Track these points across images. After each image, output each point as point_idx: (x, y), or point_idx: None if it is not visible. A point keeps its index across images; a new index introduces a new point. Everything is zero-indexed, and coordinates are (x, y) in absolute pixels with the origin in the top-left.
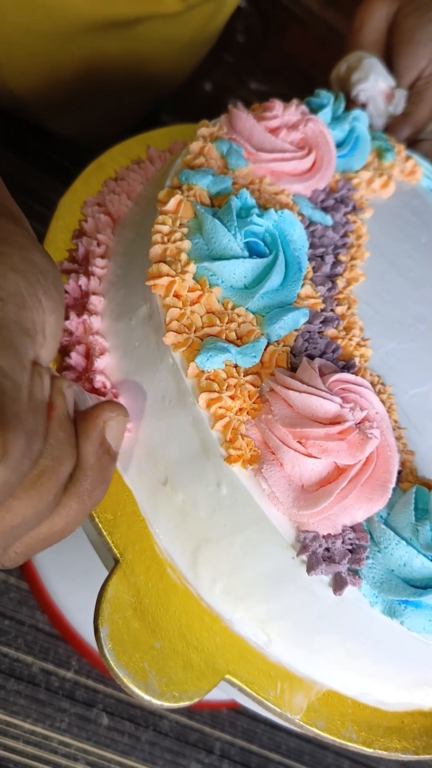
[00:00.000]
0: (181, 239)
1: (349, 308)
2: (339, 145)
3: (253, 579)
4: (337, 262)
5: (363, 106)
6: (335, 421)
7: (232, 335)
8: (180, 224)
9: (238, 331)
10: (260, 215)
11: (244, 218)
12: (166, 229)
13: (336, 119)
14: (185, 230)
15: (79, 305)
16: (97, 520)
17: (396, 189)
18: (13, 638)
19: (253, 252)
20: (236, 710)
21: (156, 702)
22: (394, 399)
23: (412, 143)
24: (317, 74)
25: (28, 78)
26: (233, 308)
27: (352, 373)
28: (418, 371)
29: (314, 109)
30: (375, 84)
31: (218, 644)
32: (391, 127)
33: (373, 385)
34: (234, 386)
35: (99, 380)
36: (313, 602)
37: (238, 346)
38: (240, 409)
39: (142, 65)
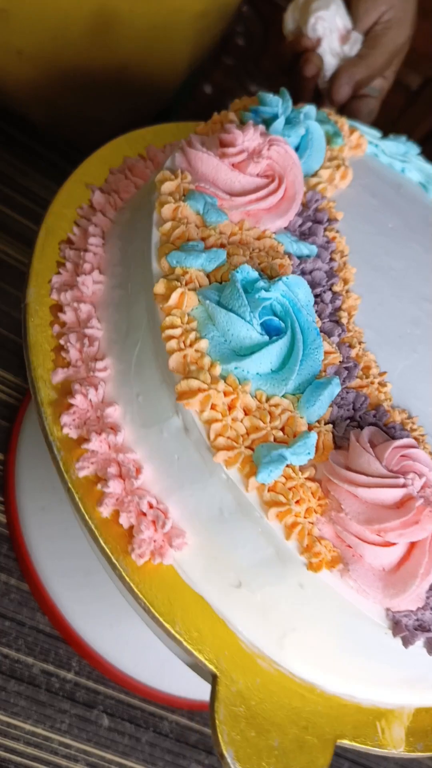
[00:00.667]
0: (196, 339)
1: (360, 344)
2: (296, 148)
3: (344, 651)
4: (334, 296)
5: (318, 42)
6: (404, 501)
7: (279, 434)
8: (187, 316)
9: (282, 427)
10: (267, 288)
11: (252, 294)
12: (177, 332)
13: (289, 123)
14: (195, 323)
15: (94, 419)
16: (185, 643)
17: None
18: (13, 639)
19: (268, 329)
20: None
21: None
22: (423, 429)
23: (355, 99)
24: None
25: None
26: (267, 400)
27: (384, 424)
28: (430, 385)
29: (268, 120)
30: (334, 16)
31: (322, 713)
32: (345, 67)
33: (403, 424)
34: (296, 488)
35: (146, 501)
36: (404, 654)
37: (287, 442)
38: (308, 510)
39: (153, 31)
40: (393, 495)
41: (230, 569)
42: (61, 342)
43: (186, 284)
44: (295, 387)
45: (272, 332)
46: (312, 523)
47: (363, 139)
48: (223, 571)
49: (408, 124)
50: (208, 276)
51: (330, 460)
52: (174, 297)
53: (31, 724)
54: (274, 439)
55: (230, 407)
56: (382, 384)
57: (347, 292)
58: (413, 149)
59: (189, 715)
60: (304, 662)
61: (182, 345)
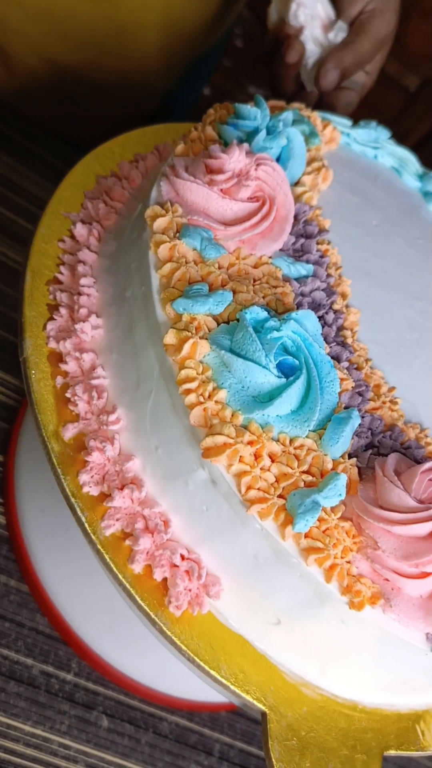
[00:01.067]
0: (214, 390)
1: (367, 362)
2: (278, 158)
3: (383, 669)
4: (336, 315)
5: (300, 30)
6: None
7: (308, 478)
8: (201, 365)
9: (309, 469)
10: (278, 328)
11: (264, 335)
12: (194, 385)
13: (269, 133)
14: (210, 372)
15: (113, 473)
16: (232, 687)
17: None
18: (13, 641)
19: (282, 367)
20: (235, 712)
21: None
22: None
23: (335, 90)
24: None
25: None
26: (291, 442)
27: (401, 443)
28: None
29: (250, 134)
30: (315, 3)
31: (366, 728)
32: (333, 53)
33: (418, 440)
34: (330, 529)
35: (178, 554)
36: None
37: (316, 484)
38: (344, 549)
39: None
40: (426, 528)
41: (268, 609)
42: (67, 395)
43: (196, 331)
44: (316, 424)
45: (286, 370)
46: (349, 562)
47: (336, 132)
48: (261, 611)
49: (407, 125)
50: (215, 317)
51: (360, 498)
52: (186, 348)
53: (30, 725)
54: (304, 483)
55: (256, 456)
56: (393, 402)
57: (347, 307)
58: (384, 134)
59: (188, 716)
60: (345, 682)
61: (201, 398)
